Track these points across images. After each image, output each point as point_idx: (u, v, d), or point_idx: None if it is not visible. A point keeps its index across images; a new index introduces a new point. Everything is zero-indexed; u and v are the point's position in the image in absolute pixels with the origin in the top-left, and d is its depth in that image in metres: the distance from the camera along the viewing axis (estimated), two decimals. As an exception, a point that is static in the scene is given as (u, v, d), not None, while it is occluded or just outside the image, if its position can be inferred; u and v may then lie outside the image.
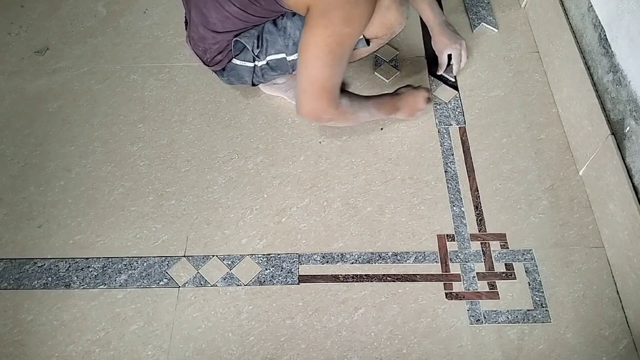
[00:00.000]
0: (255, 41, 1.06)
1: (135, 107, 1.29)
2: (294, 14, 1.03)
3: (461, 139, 1.20)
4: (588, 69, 1.10)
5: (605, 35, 1.05)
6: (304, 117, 1.05)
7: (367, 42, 1.04)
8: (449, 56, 1.26)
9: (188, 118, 1.27)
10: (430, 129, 1.22)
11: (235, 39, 1.06)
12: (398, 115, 1.18)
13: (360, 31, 0.97)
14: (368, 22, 0.97)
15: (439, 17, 1.25)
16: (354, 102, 1.09)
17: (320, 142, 1.22)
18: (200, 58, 1.14)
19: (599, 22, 1.06)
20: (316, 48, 0.95)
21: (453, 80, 1.30)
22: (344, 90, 1.06)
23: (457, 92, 1.28)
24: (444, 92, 1.28)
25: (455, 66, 1.27)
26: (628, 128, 0.97)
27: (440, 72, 1.30)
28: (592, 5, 1.09)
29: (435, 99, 1.27)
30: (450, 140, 1.20)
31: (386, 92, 1.20)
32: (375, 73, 1.32)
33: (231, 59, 1.11)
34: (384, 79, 1.31)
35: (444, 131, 1.22)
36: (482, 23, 1.39)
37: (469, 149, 1.19)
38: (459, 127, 1.22)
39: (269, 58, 1.09)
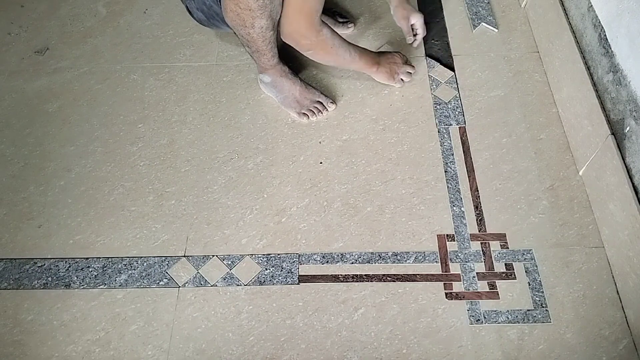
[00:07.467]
0: None
1: (135, 107, 1.29)
2: None
3: (461, 139, 1.20)
4: (588, 69, 1.10)
5: (605, 35, 1.05)
6: (285, 40, 1.11)
7: None
8: (411, 26, 1.31)
9: (188, 118, 1.27)
10: (430, 129, 1.22)
11: None
12: (378, 72, 1.22)
13: None
14: None
15: None
16: (336, 37, 1.13)
17: (320, 142, 1.22)
18: (184, 4, 1.19)
19: (599, 22, 1.06)
20: None
21: (416, 48, 1.34)
22: (328, 25, 1.11)
23: (453, 72, 1.30)
24: (444, 92, 1.28)
25: (420, 35, 1.31)
26: (628, 128, 0.97)
27: (410, 41, 1.32)
28: (592, 5, 1.09)
29: (435, 99, 1.27)
30: (450, 140, 1.20)
31: None
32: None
33: None
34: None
35: (444, 131, 1.22)
36: (482, 23, 1.39)
37: (469, 149, 1.19)
38: (459, 127, 1.22)
39: None
